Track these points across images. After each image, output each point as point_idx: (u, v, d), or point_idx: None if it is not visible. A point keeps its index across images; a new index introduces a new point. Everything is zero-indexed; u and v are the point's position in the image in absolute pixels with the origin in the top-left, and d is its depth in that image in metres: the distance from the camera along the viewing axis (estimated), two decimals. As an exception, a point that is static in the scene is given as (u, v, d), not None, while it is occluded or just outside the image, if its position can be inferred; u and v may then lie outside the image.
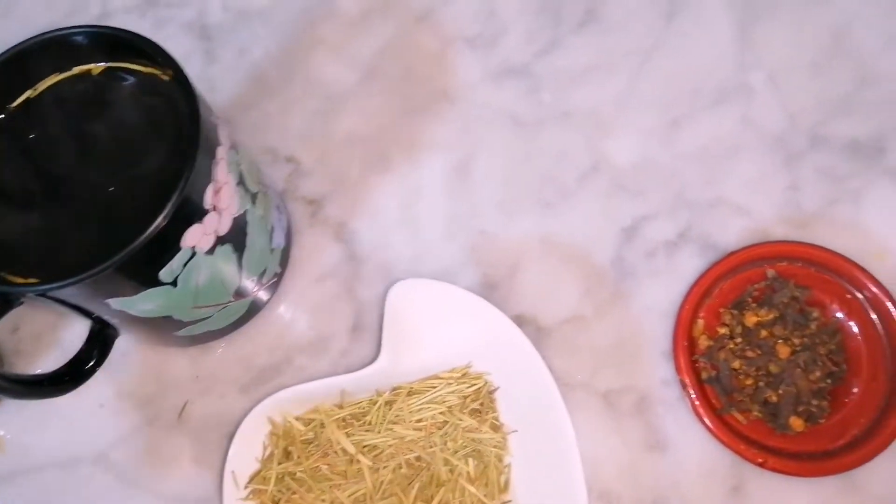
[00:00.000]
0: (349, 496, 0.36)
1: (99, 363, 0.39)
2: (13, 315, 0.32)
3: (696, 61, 0.48)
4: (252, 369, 0.43)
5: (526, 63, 0.48)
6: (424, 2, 0.51)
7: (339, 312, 0.44)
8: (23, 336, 0.45)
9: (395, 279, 0.41)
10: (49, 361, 0.43)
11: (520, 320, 0.41)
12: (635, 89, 0.47)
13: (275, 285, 0.43)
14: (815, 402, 0.37)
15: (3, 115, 0.35)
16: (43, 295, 0.31)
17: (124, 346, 0.43)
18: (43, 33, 0.35)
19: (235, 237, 0.36)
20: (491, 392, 0.38)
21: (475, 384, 0.38)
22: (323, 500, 0.36)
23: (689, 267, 0.43)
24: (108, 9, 0.53)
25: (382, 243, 0.45)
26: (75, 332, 0.44)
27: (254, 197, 0.38)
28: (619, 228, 0.44)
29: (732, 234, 0.43)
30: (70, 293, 0.31)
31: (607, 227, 0.44)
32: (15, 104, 0.35)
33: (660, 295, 0.42)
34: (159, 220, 0.30)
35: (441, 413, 0.37)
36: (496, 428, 0.38)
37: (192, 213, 0.32)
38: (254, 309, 0.42)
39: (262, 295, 0.42)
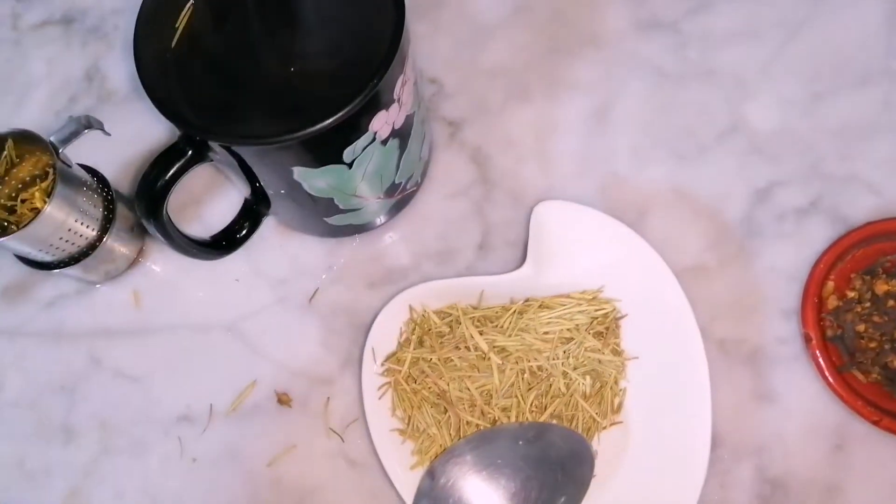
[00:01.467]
0: (477, 387, 0.38)
1: (249, 234, 0.42)
2: None
3: (843, 40, 0.48)
4: (381, 268, 0.45)
5: (675, 19, 0.49)
6: (581, -53, 0.52)
7: (468, 229, 0.45)
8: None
9: (525, 207, 0.43)
10: (190, 232, 0.46)
11: (645, 260, 0.42)
12: (780, 58, 0.48)
13: (413, 194, 0.45)
14: (935, 373, 0.38)
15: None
16: (234, 153, 0.33)
17: (264, 230, 0.45)
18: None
19: (403, 134, 0.38)
20: (618, 318, 0.40)
21: (604, 308, 0.40)
22: (453, 387, 0.37)
23: (816, 235, 0.43)
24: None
25: (515, 171, 0.47)
26: (217, 210, 0.46)
27: (419, 102, 0.39)
28: (752, 189, 0.45)
29: (862, 210, 0.44)
30: (265, 155, 0.33)
31: (740, 187, 0.45)
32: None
33: (785, 257, 0.43)
34: (363, 96, 0.31)
35: (568, 330, 0.39)
36: (617, 352, 0.40)
37: (383, 99, 0.33)
38: (392, 213, 0.44)
39: (402, 201, 0.44)
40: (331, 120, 0.31)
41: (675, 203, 0.45)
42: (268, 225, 0.45)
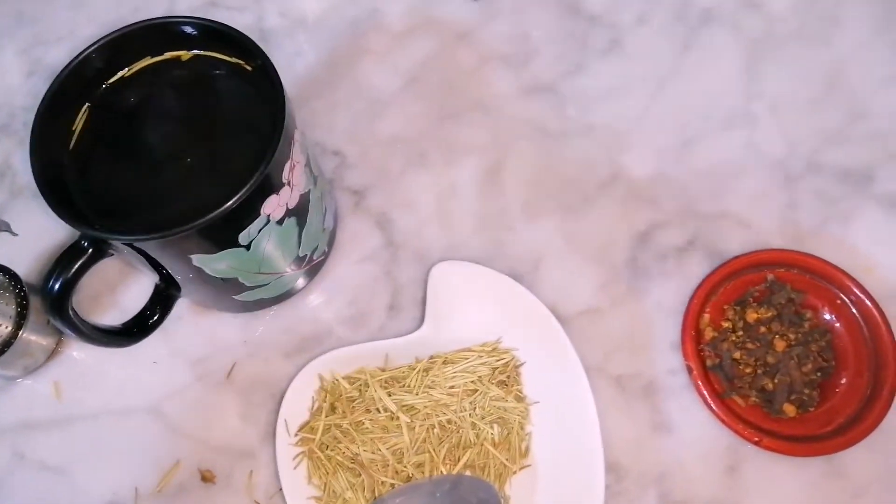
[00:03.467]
0: (388, 448, 0.39)
1: (161, 319, 0.43)
2: None
3: (707, 89, 0.53)
4: (296, 338, 0.46)
5: (554, 81, 0.54)
6: (465, 22, 0.56)
7: (378, 292, 0.48)
8: (82, 297, 0.48)
9: (429, 266, 0.46)
10: (106, 320, 0.47)
11: (543, 308, 0.45)
12: (652, 111, 0.52)
13: (321, 263, 0.47)
14: (806, 391, 0.41)
15: (101, 89, 0.39)
16: (134, 247, 0.35)
17: (179, 310, 0.47)
18: (143, 21, 0.39)
19: (300, 212, 0.40)
20: (517, 366, 0.43)
21: (503, 358, 0.42)
22: (365, 450, 0.39)
23: (695, 271, 0.47)
24: (174, 9, 0.58)
25: (418, 233, 0.50)
26: (131, 296, 0.48)
27: (315, 179, 0.42)
28: (634, 232, 0.49)
29: (735, 243, 0.48)
30: (163, 246, 0.35)
31: (623, 231, 0.49)
32: (111, 80, 0.40)
33: (669, 294, 0.47)
34: (250, 185, 0.34)
35: (472, 382, 0.41)
36: (520, 399, 0.42)
37: (272, 184, 0.36)
38: (302, 283, 0.46)
39: (311, 270, 0.46)
40: (220, 210, 0.33)
41: (566, 251, 0.48)
42: (183, 305, 0.47)
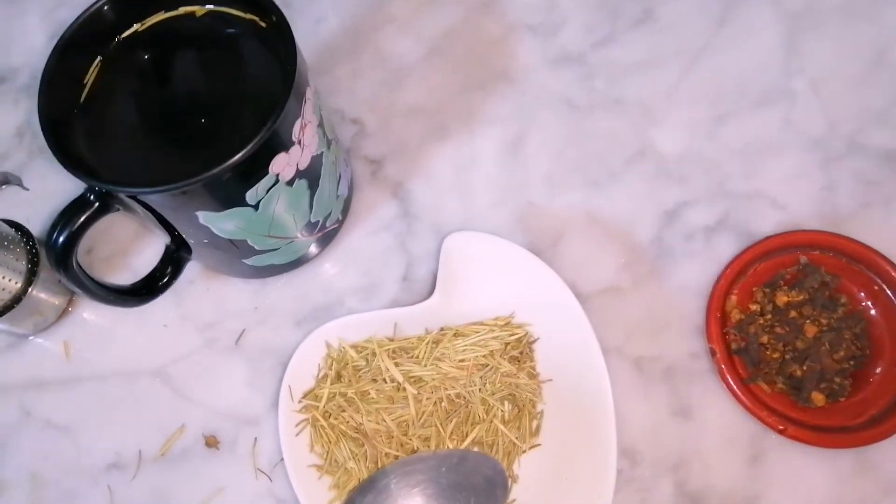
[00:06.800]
0: (393, 419, 0.38)
1: (171, 281, 0.42)
2: (88, 237, 0.35)
3: (743, 64, 0.50)
4: (306, 306, 0.45)
5: (582, 52, 0.52)
6: (492, -10, 0.54)
7: (392, 263, 0.47)
8: (95, 258, 0.48)
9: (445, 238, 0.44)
10: (118, 282, 0.46)
11: (561, 284, 0.44)
12: (684, 85, 0.50)
13: (335, 231, 0.46)
14: (837, 380, 0.39)
15: (113, 43, 0.39)
16: (140, 201, 0.34)
17: (191, 274, 0.46)
18: (158, -26, 0.38)
19: (311, 175, 0.39)
20: (530, 342, 0.41)
21: (517, 333, 0.41)
22: (369, 420, 0.38)
23: (724, 252, 0.45)
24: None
25: (435, 205, 0.48)
26: (143, 258, 0.47)
27: (328, 143, 0.41)
28: (661, 211, 0.47)
29: (768, 225, 0.46)
30: (168, 201, 0.34)
31: (650, 209, 0.47)
32: (125, 35, 0.39)
33: (695, 275, 0.45)
34: (256, 141, 0.33)
35: (483, 356, 0.40)
36: (532, 376, 0.41)
37: (281, 141, 0.35)
38: (314, 251, 0.45)
39: (324, 238, 0.45)
40: (226, 164, 0.32)
41: (588, 227, 0.47)
42: (194, 269, 0.46)
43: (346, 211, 0.47)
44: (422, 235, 0.47)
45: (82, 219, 0.35)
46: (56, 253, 0.35)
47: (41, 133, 0.53)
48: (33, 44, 0.56)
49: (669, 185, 0.47)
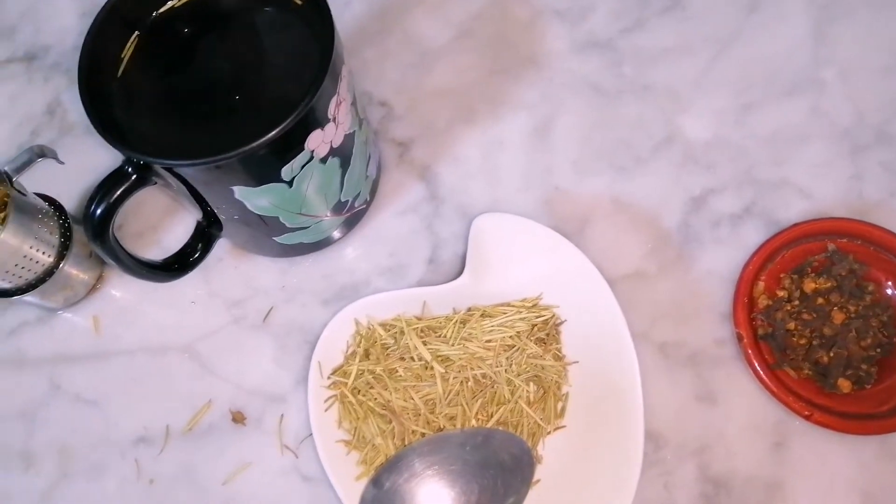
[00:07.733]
0: (421, 397, 0.39)
1: (202, 257, 0.43)
2: (119, 213, 0.35)
3: (772, 52, 0.50)
4: (334, 285, 0.46)
5: (610, 38, 0.51)
6: (520, -26, 0.54)
7: (418, 245, 0.47)
8: (125, 234, 0.48)
9: (471, 221, 0.45)
10: (148, 257, 0.47)
11: (587, 268, 0.44)
12: (712, 72, 0.50)
13: (362, 212, 0.46)
14: (864, 367, 0.39)
15: (151, 18, 0.39)
16: (176, 173, 0.35)
17: (219, 252, 0.47)
18: (196, -50, 0.39)
19: (343, 153, 0.39)
20: (557, 324, 0.41)
21: (543, 315, 0.41)
22: (397, 397, 0.39)
23: (750, 239, 0.45)
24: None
25: (462, 187, 0.48)
26: (173, 236, 0.48)
27: (360, 122, 0.41)
28: (687, 197, 0.47)
29: (794, 213, 0.46)
30: (205, 175, 0.35)
31: (676, 195, 0.47)
32: (162, 10, 0.39)
33: (721, 262, 0.45)
34: (294, 115, 0.33)
35: (510, 337, 0.40)
36: (558, 358, 0.41)
37: (317, 118, 0.35)
38: (342, 231, 0.46)
39: (352, 219, 0.45)
40: (264, 139, 0.33)
41: (615, 213, 0.47)
42: (223, 247, 0.47)
43: (373, 192, 0.47)
44: (448, 218, 0.47)
45: (119, 191, 0.35)
46: (93, 225, 0.35)
47: (70, 111, 0.54)
48: (63, 22, 0.57)
49: (697, 171, 0.47)
